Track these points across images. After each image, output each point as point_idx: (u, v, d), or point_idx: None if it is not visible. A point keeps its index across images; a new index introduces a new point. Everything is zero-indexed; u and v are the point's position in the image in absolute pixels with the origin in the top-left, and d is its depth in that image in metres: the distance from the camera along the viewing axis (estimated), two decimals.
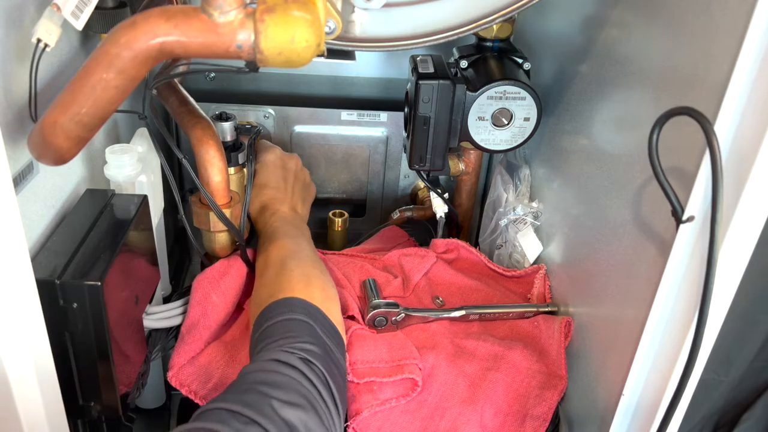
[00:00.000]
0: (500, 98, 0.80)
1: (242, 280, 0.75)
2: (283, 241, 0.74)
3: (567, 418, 0.71)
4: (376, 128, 1.02)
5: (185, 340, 0.71)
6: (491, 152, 0.99)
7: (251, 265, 0.76)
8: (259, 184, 0.84)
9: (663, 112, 0.48)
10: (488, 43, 0.86)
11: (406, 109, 0.89)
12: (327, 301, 0.66)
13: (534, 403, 0.69)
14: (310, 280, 0.68)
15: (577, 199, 0.75)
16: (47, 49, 0.54)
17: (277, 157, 0.87)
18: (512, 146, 0.84)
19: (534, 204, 0.87)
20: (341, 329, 0.65)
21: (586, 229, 0.72)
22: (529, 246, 0.86)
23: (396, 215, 1.02)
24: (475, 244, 0.97)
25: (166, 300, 0.81)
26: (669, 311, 0.54)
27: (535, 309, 0.79)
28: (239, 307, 0.77)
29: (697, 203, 0.49)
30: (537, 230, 0.87)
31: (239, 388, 0.52)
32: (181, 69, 0.79)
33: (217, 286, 0.72)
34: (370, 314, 0.75)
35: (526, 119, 0.81)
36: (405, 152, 0.89)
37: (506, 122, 0.82)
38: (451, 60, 0.87)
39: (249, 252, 0.77)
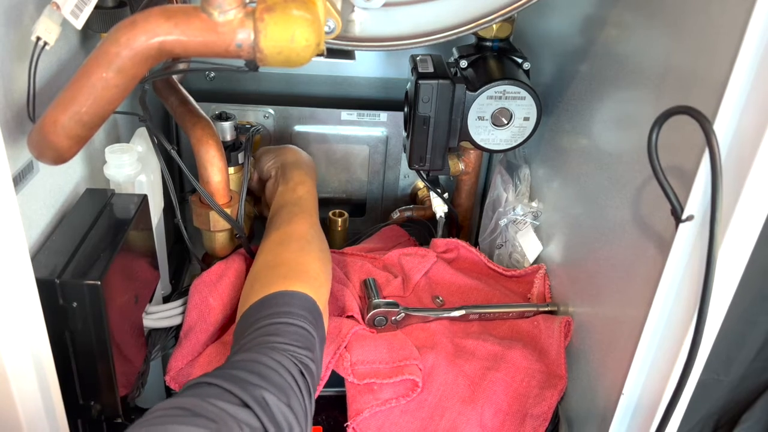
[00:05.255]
0: (500, 98, 0.80)
1: (240, 282, 0.74)
2: (314, 218, 0.76)
3: (567, 417, 0.71)
4: (376, 128, 1.02)
5: (182, 344, 0.71)
6: (491, 152, 0.99)
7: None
8: (290, 160, 0.85)
9: (662, 112, 0.48)
10: (488, 43, 0.86)
11: (406, 109, 0.88)
12: (327, 305, 0.67)
13: (534, 402, 0.69)
14: (326, 278, 0.69)
15: (576, 198, 0.75)
16: (46, 48, 0.54)
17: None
18: (512, 146, 0.84)
19: (534, 204, 0.87)
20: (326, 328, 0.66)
21: (586, 229, 0.72)
22: (528, 246, 0.86)
23: (396, 215, 1.01)
24: (475, 244, 0.97)
25: (166, 299, 0.81)
26: (668, 311, 0.54)
27: (534, 308, 0.79)
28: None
29: (696, 202, 0.49)
30: (537, 230, 0.87)
31: (233, 373, 0.50)
32: (180, 67, 0.78)
33: (214, 289, 0.72)
34: (370, 314, 0.75)
35: (526, 119, 0.81)
36: (405, 152, 0.89)
37: (506, 122, 0.82)
38: (451, 60, 0.87)
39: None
